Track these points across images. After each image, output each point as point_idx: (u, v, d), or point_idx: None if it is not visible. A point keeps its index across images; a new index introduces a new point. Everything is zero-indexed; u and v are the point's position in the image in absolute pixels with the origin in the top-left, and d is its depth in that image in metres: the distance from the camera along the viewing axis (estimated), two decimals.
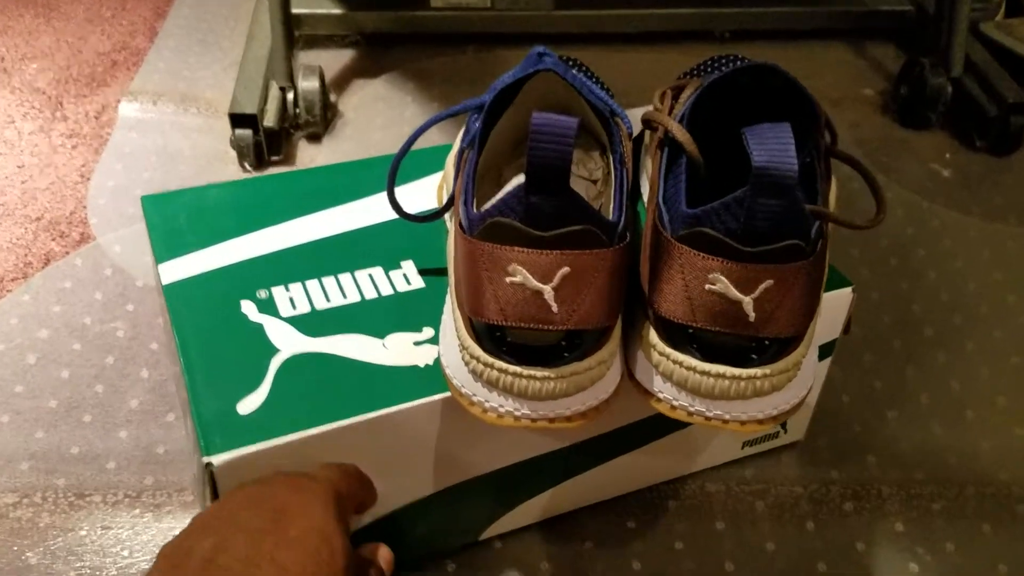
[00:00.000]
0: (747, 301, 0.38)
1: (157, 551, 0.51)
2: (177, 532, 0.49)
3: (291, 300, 0.49)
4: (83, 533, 0.53)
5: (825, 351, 0.54)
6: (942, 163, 0.84)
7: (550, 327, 0.38)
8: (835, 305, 0.51)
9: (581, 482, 0.52)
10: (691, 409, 0.41)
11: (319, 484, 0.39)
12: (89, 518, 0.54)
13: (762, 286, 0.38)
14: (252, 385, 0.44)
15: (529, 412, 0.40)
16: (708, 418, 0.41)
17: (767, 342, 0.40)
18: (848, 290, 0.51)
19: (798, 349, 0.41)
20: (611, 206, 0.44)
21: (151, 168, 0.80)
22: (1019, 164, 0.85)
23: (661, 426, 0.51)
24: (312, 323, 0.48)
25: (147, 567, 0.50)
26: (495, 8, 0.97)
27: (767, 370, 0.40)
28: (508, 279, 0.37)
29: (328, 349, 0.46)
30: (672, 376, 0.41)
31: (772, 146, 0.37)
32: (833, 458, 0.58)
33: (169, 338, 0.50)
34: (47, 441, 0.58)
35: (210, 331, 0.47)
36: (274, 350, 0.46)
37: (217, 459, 0.41)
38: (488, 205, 0.39)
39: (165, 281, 0.50)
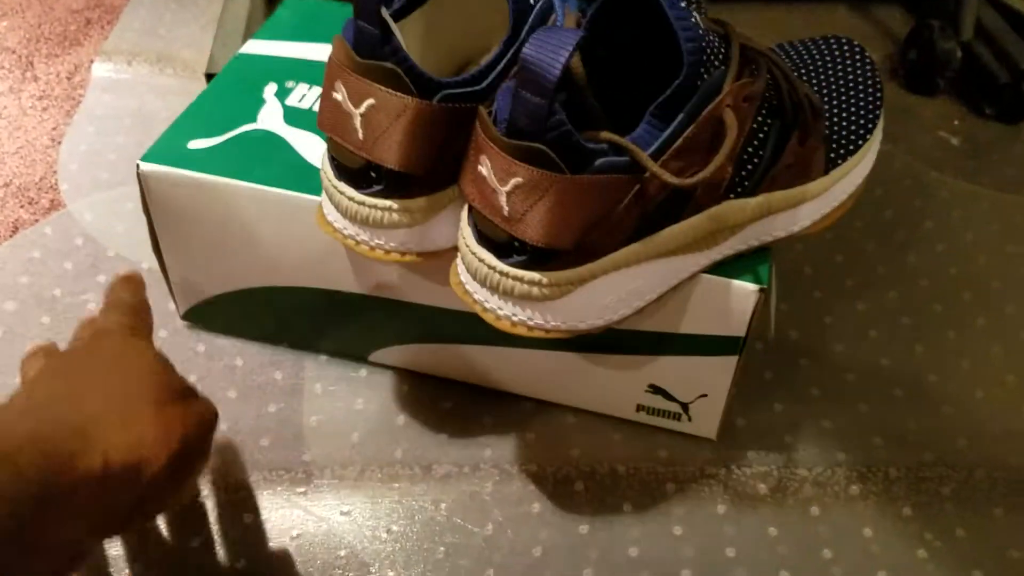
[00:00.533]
0: (501, 192, 0.39)
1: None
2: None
3: (303, 95, 0.57)
4: None
5: (725, 347, 0.50)
6: (950, 130, 0.81)
7: (352, 148, 0.43)
8: (734, 299, 0.48)
9: (450, 352, 0.56)
10: (468, 287, 0.44)
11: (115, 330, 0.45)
12: None
13: (512, 181, 0.39)
14: (214, 133, 0.54)
15: (339, 225, 0.46)
16: (475, 300, 0.44)
17: (528, 246, 0.40)
18: (751, 288, 0.47)
19: (567, 271, 0.41)
20: (473, 69, 0.44)
21: (125, 131, 0.76)
22: None
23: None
24: (298, 116, 0.55)
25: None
26: None
27: (520, 272, 0.41)
28: (332, 94, 0.42)
29: (288, 138, 0.54)
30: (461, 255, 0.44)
31: (547, 44, 0.36)
32: (838, 439, 0.56)
33: None
34: None
35: (229, 89, 0.57)
36: (252, 120, 0.55)
37: (145, 165, 0.51)
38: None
39: (244, 51, 0.60)
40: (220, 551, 0.49)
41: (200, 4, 0.92)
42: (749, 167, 0.45)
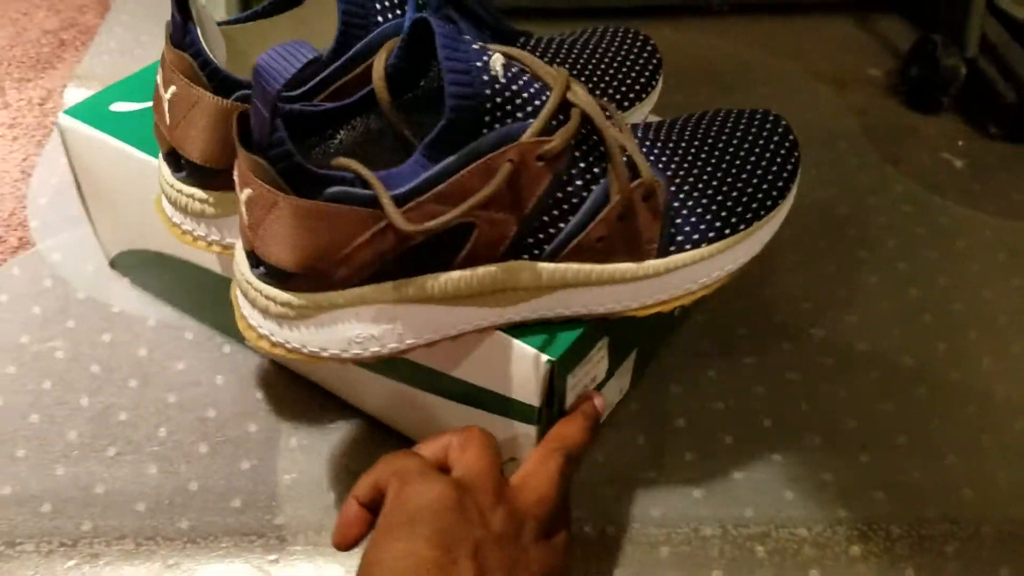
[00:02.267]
0: (241, 200, 0.39)
1: None
2: None
3: None
4: None
5: (526, 414, 0.47)
6: (954, 152, 0.79)
7: (163, 131, 0.45)
8: (523, 364, 0.44)
9: None
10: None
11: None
12: (20, 570, 0.49)
13: (246, 191, 0.39)
14: (141, 99, 0.56)
15: (164, 205, 0.48)
16: (239, 304, 0.43)
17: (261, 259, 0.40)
18: (531, 352, 0.44)
19: (304, 295, 0.40)
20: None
21: None
22: None
23: None
24: None
25: None
26: None
27: (260, 285, 0.41)
28: (156, 76, 0.45)
29: None
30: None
31: (281, 56, 0.35)
32: (839, 494, 0.53)
33: None
34: None
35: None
36: None
37: (64, 119, 0.55)
38: None
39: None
40: None
41: None
42: (551, 231, 0.42)
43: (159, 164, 0.48)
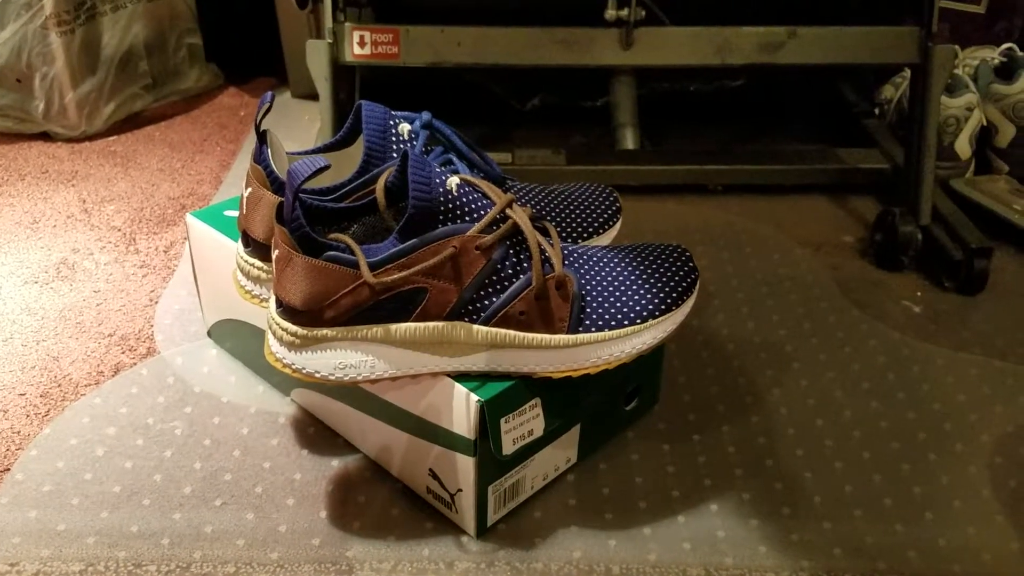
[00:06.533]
0: (274, 257, 0.58)
1: None
2: None
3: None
4: None
5: (466, 447, 0.61)
6: (913, 300, 0.94)
7: (240, 220, 0.68)
8: (459, 401, 0.60)
9: (326, 403, 0.75)
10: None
11: None
12: None
13: (277, 251, 0.58)
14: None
15: (238, 275, 0.69)
16: (268, 338, 0.61)
17: (282, 301, 0.58)
18: (470, 395, 0.60)
19: (305, 328, 0.58)
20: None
21: None
22: (985, 303, 0.94)
23: None
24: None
25: None
26: (514, 163, 1.10)
27: (278, 319, 0.59)
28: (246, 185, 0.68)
29: None
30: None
31: (305, 165, 0.55)
32: (803, 549, 0.65)
33: None
34: (111, 520, 0.66)
35: None
36: None
37: (190, 218, 0.87)
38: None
39: None
40: None
41: None
42: (486, 301, 0.59)
43: (237, 245, 0.69)
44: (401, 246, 0.57)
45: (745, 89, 1.41)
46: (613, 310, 0.62)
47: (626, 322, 0.62)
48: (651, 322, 0.63)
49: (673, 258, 0.68)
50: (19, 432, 0.74)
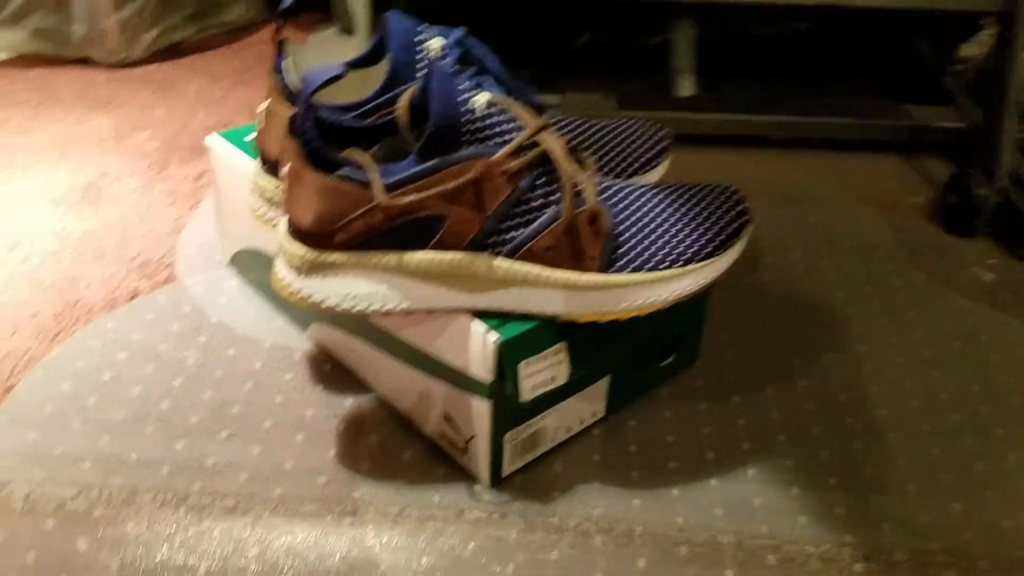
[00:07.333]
0: (283, 172, 0.53)
1: (194, 548, 0.55)
2: (216, 533, 0.53)
3: None
4: (130, 527, 0.57)
5: (481, 389, 0.56)
6: (984, 268, 0.86)
7: (259, 137, 0.64)
8: (476, 340, 0.55)
9: (341, 338, 0.70)
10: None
11: None
12: (137, 514, 0.58)
13: (287, 166, 0.52)
14: None
15: (252, 203, 0.65)
16: (276, 261, 0.56)
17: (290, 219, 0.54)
18: (488, 333, 0.54)
19: (314, 252, 0.53)
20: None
21: None
22: None
23: None
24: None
25: (183, 563, 0.54)
26: (562, 107, 1.04)
27: (286, 241, 0.54)
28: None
29: None
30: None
31: (319, 72, 0.50)
32: (848, 523, 0.59)
33: None
34: (110, 446, 0.63)
35: None
36: None
37: (210, 138, 0.75)
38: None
39: None
40: (277, 558, 0.55)
41: None
42: (510, 233, 0.54)
43: (255, 163, 0.65)
44: (420, 167, 0.52)
45: (811, 34, 1.32)
46: (650, 252, 0.57)
47: (664, 265, 0.57)
48: (692, 267, 0.58)
49: (723, 199, 0.62)
50: (27, 352, 0.71)
